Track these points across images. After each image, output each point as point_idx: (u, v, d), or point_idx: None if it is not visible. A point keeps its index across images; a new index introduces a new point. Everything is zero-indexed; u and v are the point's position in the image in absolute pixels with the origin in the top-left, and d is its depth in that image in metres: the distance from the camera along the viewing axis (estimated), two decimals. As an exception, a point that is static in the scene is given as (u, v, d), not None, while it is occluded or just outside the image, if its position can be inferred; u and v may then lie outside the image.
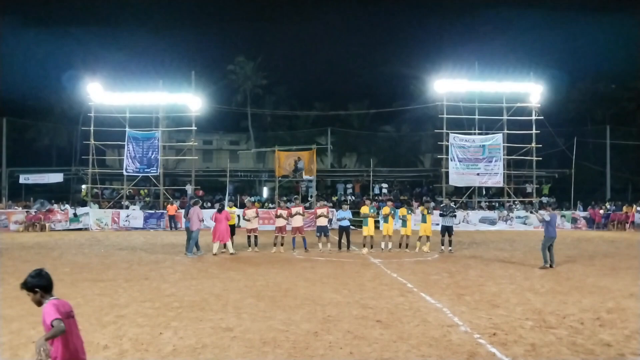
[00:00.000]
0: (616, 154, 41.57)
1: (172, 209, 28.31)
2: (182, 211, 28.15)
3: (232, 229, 16.96)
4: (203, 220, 17.15)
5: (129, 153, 31.34)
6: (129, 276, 11.76)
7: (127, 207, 31.04)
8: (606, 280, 11.37)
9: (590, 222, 30.63)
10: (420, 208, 17.49)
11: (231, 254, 16.06)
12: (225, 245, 16.33)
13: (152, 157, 31.44)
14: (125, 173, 31.63)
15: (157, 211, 29.92)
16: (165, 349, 6.22)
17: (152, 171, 31.53)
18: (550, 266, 13.33)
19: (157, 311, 8.18)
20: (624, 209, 30.78)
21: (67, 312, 4.02)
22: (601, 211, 30.87)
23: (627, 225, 29.44)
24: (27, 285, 4.02)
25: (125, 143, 31.35)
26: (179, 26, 62.88)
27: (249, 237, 17.21)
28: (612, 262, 14.48)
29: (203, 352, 6.09)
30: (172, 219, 28.05)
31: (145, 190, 34.63)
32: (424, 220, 17.08)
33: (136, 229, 28.23)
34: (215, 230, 16.25)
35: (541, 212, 14.33)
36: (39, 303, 4.01)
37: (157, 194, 32.78)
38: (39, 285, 4.01)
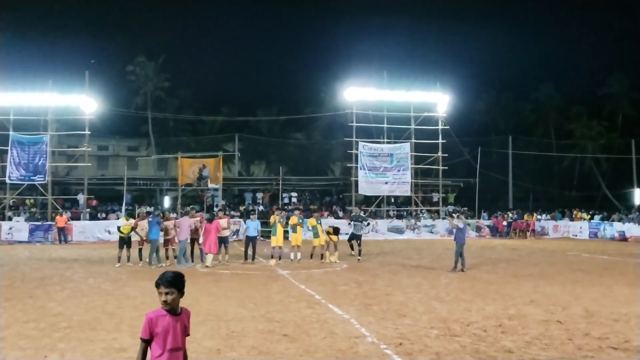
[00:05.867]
0: (518, 164, 44.06)
1: (61, 220, 26.16)
2: (79, 222, 26.62)
3: (128, 240, 15.98)
4: (196, 230, 16.25)
5: (13, 159, 28.88)
6: (10, 295, 10.61)
7: (10, 219, 28.61)
8: (508, 287, 11.93)
9: (494, 231, 32.18)
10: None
11: (206, 266, 15.25)
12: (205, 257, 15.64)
13: (40, 163, 29.13)
14: (8, 181, 29.10)
15: (44, 223, 27.61)
16: (50, 374, 5.60)
17: (39, 179, 29.18)
18: (462, 270, 14.27)
19: (41, 332, 7.47)
20: (525, 217, 32.73)
21: None
22: (504, 222, 32.28)
23: (528, 233, 31.41)
24: None
25: (9, 148, 28.89)
26: (72, 19, 58.63)
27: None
28: (514, 269, 15.32)
29: (92, 376, 5.54)
30: (62, 231, 25.91)
31: (32, 200, 31.89)
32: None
33: (20, 242, 25.74)
34: (204, 241, 15.56)
35: (455, 220, 15.48)
36: None
37: (45, 204, 30.23)
38: None
